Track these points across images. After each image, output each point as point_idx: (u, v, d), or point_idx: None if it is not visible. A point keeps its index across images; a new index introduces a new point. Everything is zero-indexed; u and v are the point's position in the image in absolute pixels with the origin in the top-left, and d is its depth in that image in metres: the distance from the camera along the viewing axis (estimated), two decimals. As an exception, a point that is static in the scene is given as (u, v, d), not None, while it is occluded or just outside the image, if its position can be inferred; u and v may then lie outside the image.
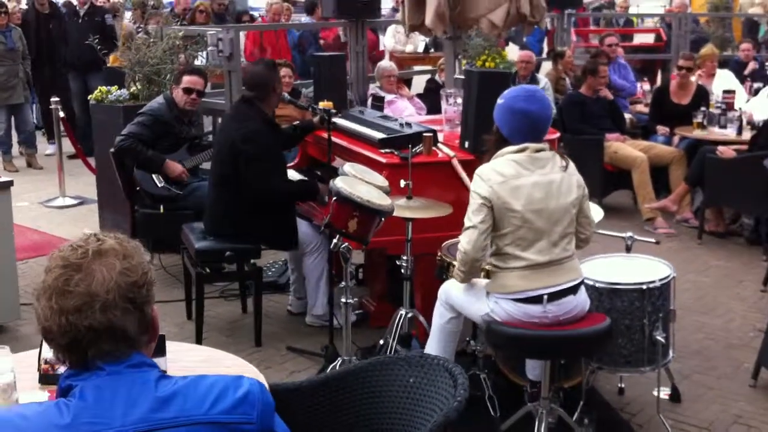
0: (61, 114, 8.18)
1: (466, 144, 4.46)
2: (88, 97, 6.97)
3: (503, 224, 3.45)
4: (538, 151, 3.48)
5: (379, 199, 3.67)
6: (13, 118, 9.72)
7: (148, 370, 1.73)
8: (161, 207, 5.69)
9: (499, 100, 3.57)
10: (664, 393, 4.20)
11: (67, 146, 8.94)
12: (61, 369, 2.63)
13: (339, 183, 3.62)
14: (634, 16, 14.48)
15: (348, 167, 3.92)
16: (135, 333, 1.72)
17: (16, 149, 10.11)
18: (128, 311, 1.69)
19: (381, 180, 3.98)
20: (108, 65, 9.68)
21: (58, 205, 8.13)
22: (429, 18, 6.42)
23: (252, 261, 5.00)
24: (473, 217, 3.44)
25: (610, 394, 4.32)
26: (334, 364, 4.10)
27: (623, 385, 4.36)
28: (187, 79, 5.68)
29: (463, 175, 4.28)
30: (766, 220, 6.61)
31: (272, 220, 4.86)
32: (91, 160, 8.43)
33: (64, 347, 1.69)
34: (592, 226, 3.65)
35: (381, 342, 4.40)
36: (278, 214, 4.88)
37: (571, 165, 3.55)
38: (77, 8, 10.04)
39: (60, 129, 8.35)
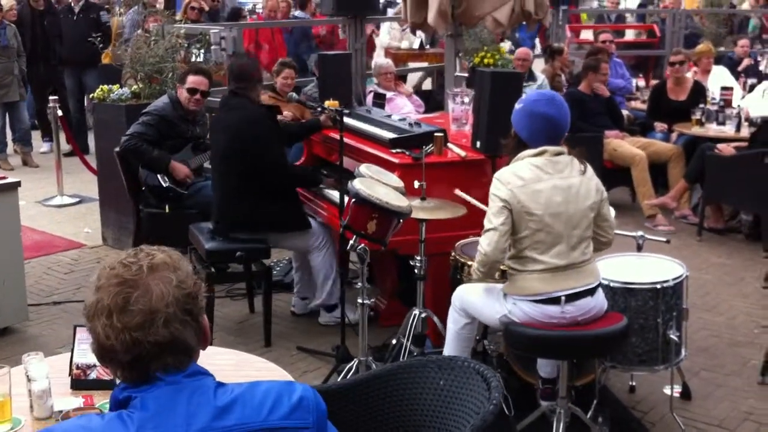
0: (59, 113, 8.14)
1: (478, 144, 4.47)
2: (90, 96, 6.94)
3: (521, 227, 3.47)
4: (557, 154, 3.50)
5: (397, 200, 3.67)
6: (7, 116, 9.65)
7: (204, 379, 1.74)
8: (166, 207, 5.68)
9: (518, 105, 3.59)
10: (675, 391, 4.24)
11: (62, 144, 8.89)
12: (93, 375, 2.64)
13: (357, 184, 3.62)
14: (628, 12, 14.54)
15: (364, 168, 3.92)
16: (194, 343, 1.74)
17: (10, 147, 10.05)
18: (187, 323, 1.71)
19: (396, 181, 3.99)
20: (102, 63, 9.67)
21: (56, 203, 8.08)
22: (431, 16, 6.47)
23: (262, 260, 5.01)
24: (494, 219, 3.45)
25: (621, 392, 4.36)
26: (351, 364, 4.11)
27: (634, 383, 4.39)
28: (191, 80, 5.67)
29: (471, 199, 4.26)
30: (766, 217, 6.65)
31: (279, 203, 4.90)
32: (88, 158, 8.44)
33: (126, 364, 1.69)
34: (613, 229, 3.68)
35: (393, 341, 4.42)
36: (284, 197, 4.94)
37: (589, 169, 3.57)
38: (72, 5, 9.98)
39: (58, 127, 8.31)
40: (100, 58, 9.72)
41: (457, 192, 4.24)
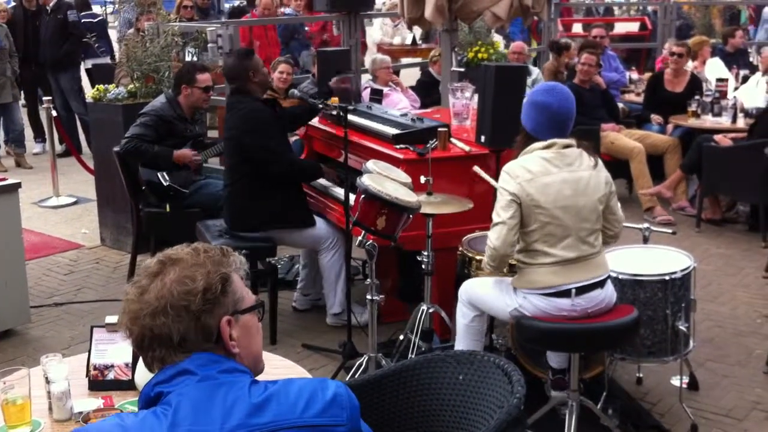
0: (54, 113, 8.09)
1: (482, 138, 4.46)
2: (86, 96, 6.90)
3: (530, 221, 3.46)
4: (566, 147, 3.50)
5: (406, 195, 3.66)
6: (0, 118, 9.59)
7: (241, 376, 1.73)
8: (167, 206, 5.65)
9: (525, 98, 3.59)
10: (683, 382, 4.24)
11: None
12: (111, 375, 2.62)
13: (366, 180, 3.61)
14: (617, 5, 14.57)
15: (371, 164, 3.91)
16: (190, 339, 1.73)
17: (2, 149, 10.00)
18: (180, 318, 1.72)
19: (404, 176, 3.97)
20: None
21: (52, 204, 8.02)
22: (429, 11, 6.46)
23: (267, 258, 4.99)
24: (502, 212, 3.45)
25: (629, 384, 4.36)
26: (360, 361, 4.10)
27: (641, 375, 4.40)
28: (203, 78, 5.63)
29: (488, 177, 4.25)
30: (765, 207, 6.67)
31: (280, 196, 4.86)
32: (83, 158, 8.40)
33: (136, 349, 1.79)
34: (620, 223, 3.68)
35: (401, 337, 4.41)
36: (286, 191, 4.89)
37: (600, 163, 3.57)
38: (47, 5, 9.87)
39: (52, 128, 8.26)
40: (72, 58, 9.67)
41: (476, 169, 4.23)
